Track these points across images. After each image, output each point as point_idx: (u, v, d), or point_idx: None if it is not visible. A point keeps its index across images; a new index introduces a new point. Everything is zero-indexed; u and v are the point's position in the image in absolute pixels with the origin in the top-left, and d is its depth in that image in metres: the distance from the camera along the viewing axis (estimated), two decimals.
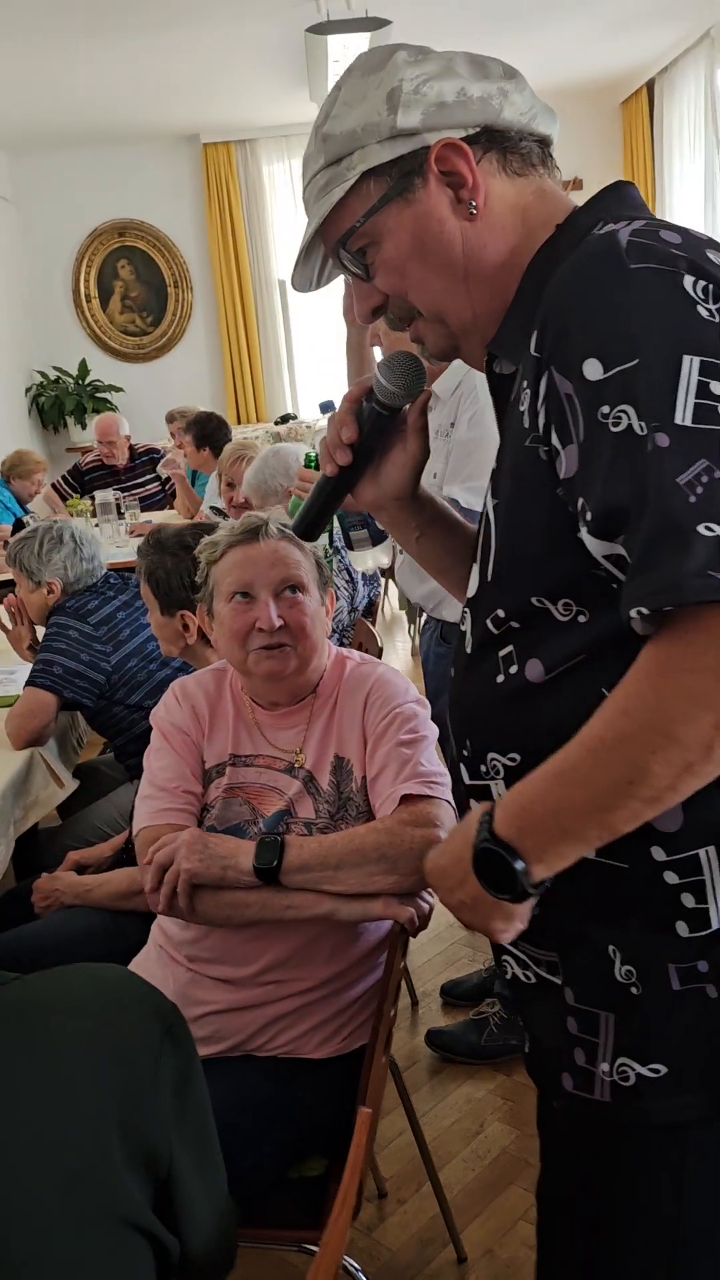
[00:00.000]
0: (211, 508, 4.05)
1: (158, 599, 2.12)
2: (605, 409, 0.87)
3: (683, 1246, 1.06)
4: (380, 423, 1.17)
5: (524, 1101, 2.45)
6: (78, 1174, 0.88)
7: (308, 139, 1.10)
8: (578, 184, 8.88)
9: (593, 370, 0.88)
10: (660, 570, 0.81)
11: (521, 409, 0.98)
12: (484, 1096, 2.48)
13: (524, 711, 1.01)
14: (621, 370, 0.86)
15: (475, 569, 1.07)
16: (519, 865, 0.94)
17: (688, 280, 0.88)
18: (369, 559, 2.42)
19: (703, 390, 0.83)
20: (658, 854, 0.96)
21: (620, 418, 0.86)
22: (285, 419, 8.36)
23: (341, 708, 1.76)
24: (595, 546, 0.90)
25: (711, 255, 0.91)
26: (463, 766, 1.11)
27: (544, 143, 1.07)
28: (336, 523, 2.72)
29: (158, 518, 5.91)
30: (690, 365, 0.84)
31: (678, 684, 0.83)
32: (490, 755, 1.05)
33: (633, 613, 0.84)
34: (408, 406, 1.18)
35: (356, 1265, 1.57)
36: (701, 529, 0.80)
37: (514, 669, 1.02)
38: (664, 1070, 1.01)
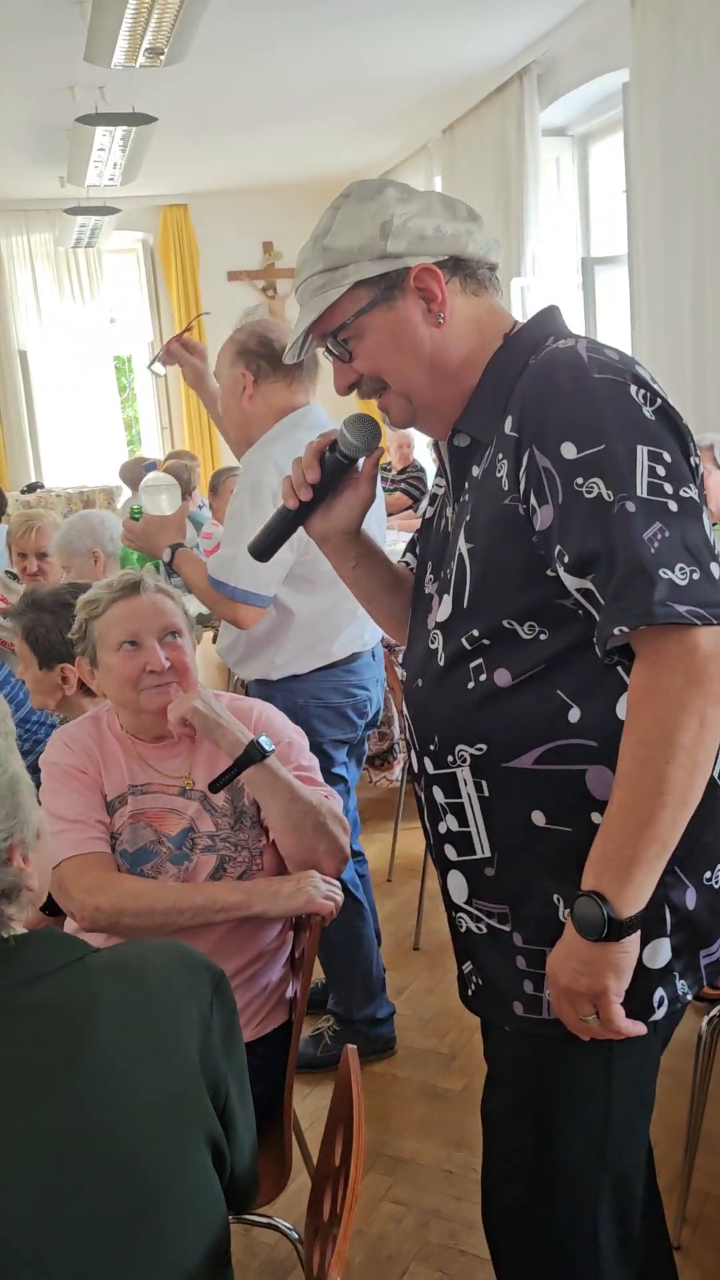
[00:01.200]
0: (6, 571, 4.11)
1: (36, 654, 2.26)
2: (579, 480, 1.19)
3: (611, 1127, 1.36)
4: (339, 469, 1.44)
5: (365, 1104, 2.70)
6: (176, 1094, 1.08)
7: (305, 245, 1.37)
8: None
9: (569, 451, 1.20)
10: (634, 600, 1.13)
11: (499, 475, 1.28)
12: (328, 1103, 2.71)
13: (491, 710, 1.30)
14: (592, 452, 1.18)
15: (448, 599, 1.36)
16: (605, 907, 1.17)
17: (633, 389, 1.22)
18: (193, 605, 2.65)
19: (652, 472, 1.17)
20: (595, 819, 1.25)
21: (592, 487, 1.18)
22: (32, 487, 8.37)
23: None
24: (570, 582, 1.21)
25: (639, 369, 1.25)
26: (427, 760, 1.39)
27: (493, 268, 1.39)
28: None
29: None
30: (642, 453, 1.18)
31: (664, 703, 1.14)
32: (459, 747, 1.33)
33: (615, 630, 1.15)
34: (363, 459, 1.46)
35: (290, 1225, 1.78)
36: (661, 572, 1.13)
37: (483, 677, 1.31)
38: None
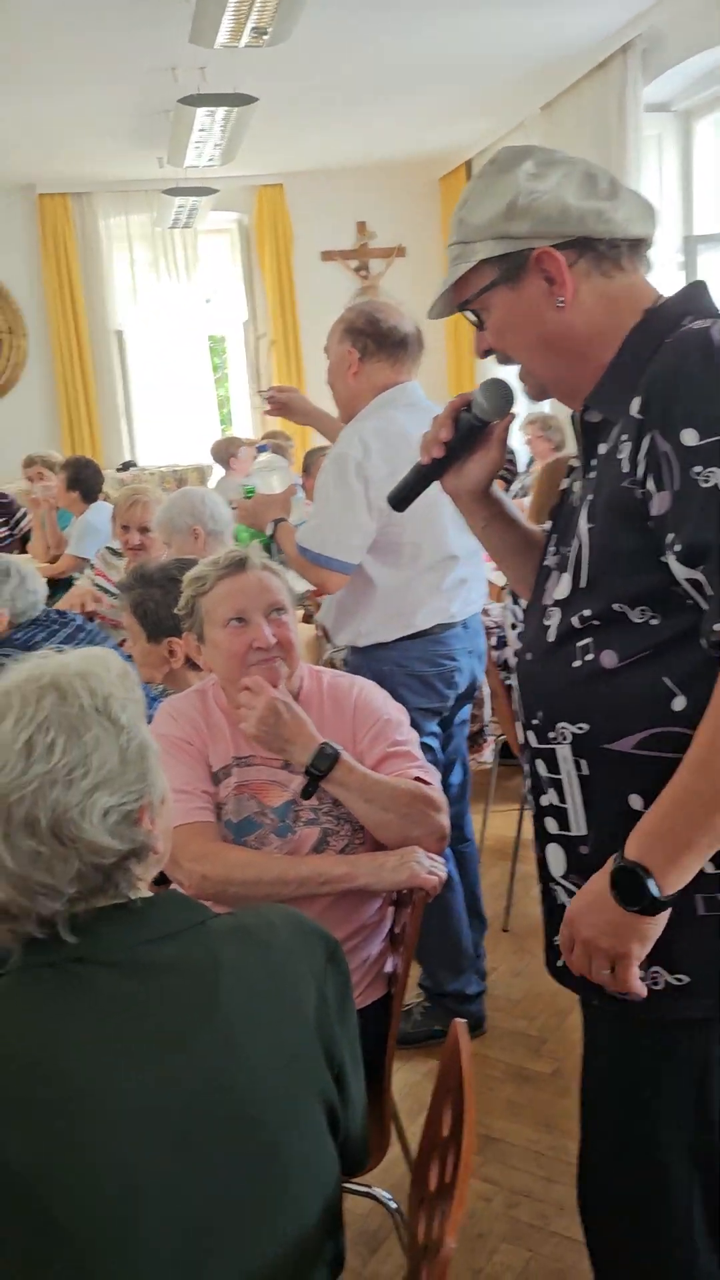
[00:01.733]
0: (108, 548, 4.19)
1: (144, 628, 2.31)
2: (698, 468, 1.17)
3: (706, 1115, 1.34)
4: (472, 430, 1.47)
5: None
6: (295, 1055, 1.11)
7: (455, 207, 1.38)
8: (400, 251, 9.44)
9: (690, 438, 1.17)
10: None
11: (620, 457, 1.27)
12: (420, 1079, 2.73)
13: (596, 691, 1.29)
14: (713, 440, 1.16)
15: (567, 576, 1.36)
16: (649, 880, 1.19)
17: None
18: (300, 583, 2.78)
19: None
20: None
21: (710, 476, 1.16)
22: (126, 466, 8.50)
23: (327, 711, 2.01)
24: (679, 571, 1.20)
25: None
26: (531, 733, 1.39)
27: (636, 242, 1.37)
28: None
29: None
30: None
31: None
32: (560, 724, 1.33)
33: (716, 625, 1.14)
34: (496, 422, 1.47)
35: (388, 1195, 1.80)
36: None
37: (590, 657, 1.30)
38: (687, 980, 1.29)
